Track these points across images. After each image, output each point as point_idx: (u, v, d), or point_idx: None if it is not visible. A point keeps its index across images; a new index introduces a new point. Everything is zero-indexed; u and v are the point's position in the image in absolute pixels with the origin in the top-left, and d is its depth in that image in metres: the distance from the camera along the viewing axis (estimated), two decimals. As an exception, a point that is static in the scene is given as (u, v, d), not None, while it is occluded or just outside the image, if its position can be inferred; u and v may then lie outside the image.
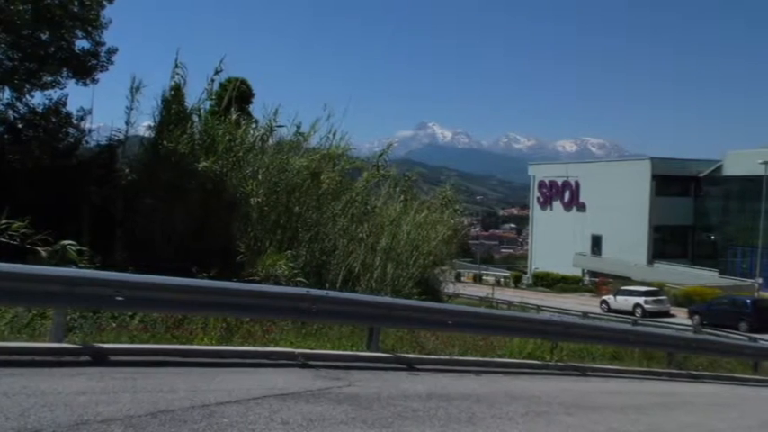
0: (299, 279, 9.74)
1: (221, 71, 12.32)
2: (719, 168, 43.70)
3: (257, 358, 6.57)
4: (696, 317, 28.94)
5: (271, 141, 13.02)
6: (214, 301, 6.72)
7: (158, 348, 6.20)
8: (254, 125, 13.20)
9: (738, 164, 40.67)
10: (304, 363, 6.66)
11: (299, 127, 13.02)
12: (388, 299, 8.87)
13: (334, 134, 13.20)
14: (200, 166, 10.94)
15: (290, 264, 10.08)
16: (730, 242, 42.05)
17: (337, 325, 8.39)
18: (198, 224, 10.65)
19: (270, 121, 12.79)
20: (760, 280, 34.57)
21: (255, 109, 14.91)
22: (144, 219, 10.48)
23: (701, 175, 46.19)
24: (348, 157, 13.75)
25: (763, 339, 19.78)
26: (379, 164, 14.78)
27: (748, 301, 29.00)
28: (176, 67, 11.50)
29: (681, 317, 30.40)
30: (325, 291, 8.04)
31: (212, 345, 6.69)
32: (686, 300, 33.87)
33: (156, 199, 10.55)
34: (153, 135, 11.53)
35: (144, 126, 11.93)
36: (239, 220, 11.30)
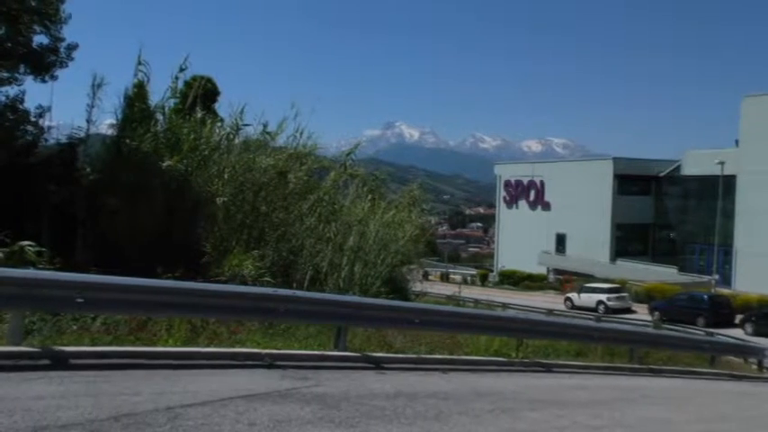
0: (265, 279, 9.66)
1: (186, 69, 12.15)
2: (678, 168, 44.88)
3: (223, 359, 6.51)
4: (656, 313, 29.68)
5: (237, 140, 12.88)
6: (179, 302, 6.62)
7: (121, 351, 6.08)
8: (219, 124, 13.04)
9: (696, 164, 41.84)
10: (271, 363, 6.61)
11: (265, 126, 12.92)
12: (355, 298, 8.87)
13: (301, 133, 13.13)
14: (165, 165, 10.76)
15: (257, 264, 9.99)
16: (689, 240, 43.20)
17: (305, 325, 8.35)
18: (162, 224, 10.46)
19: (236, 119, 12.66)
20: (717, 276, 35.66)
21: (221, 107, 14.72)
22: (107, 219, 10.26)
23: (661, 174, 47.38)
24: (315, 157, 13.70)
25: (719, 334, 20.44)
26: (347, 163, 14.75)
27: (705, 297, 29.89)
28: (139, 64, 11.29)
29: (642, 313, 31.14)
30: (292, 291, 8.01)
31: (177, 346, 6.59)
32: (647, 296, 34.71)
33: (120, 198, 10.34)
34: (115, 133, 11.29)
35: (106, 124, 11.68)
36: (205, 220, 11.16)
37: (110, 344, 6.28)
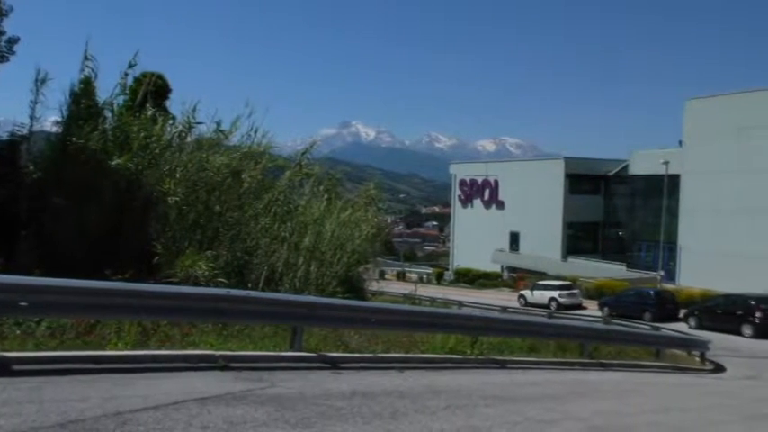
0: (219, 280, 9.51)
1: (135, 65, 11.80)
2: (626, 168, 46.29)
3: (175, 362, 6.37)
4: (606, 309, 30.53)
5: (189, 139, 12.61)
6: (128, 305, 6.45)
7: (67, 355, 5.88)
8: (171, 122, 12.74)
9: (642, 163, 43.25)
10: (225, 365, 6.51)
11: (218, 124, 12.69)
12: (311, 298, 8.83)
13: (255, 132, 12.96)
14: (114, 163, 10.45)
15: (211, 264, 9.82)
16: (636, 237, 44.63)
17: (260, 326, 8.26)
18: (111, 224, 10.16)
19: (188, 117, 12.39)
20: (662, 272, 36.94)
21: (173, 105, 14.37)
22: (52, 219, 9.90)
23: (610, 173, 48.83)
24: (270, 156, 13.54)
25: (664, 328, 21.17)
26: (303, 162, 14.65)
27: (652, 292, 30.92)
28: (86, 59, 10.91)
29: (592, 309, 31.98)
30: (246, 291, 7.91)
31: (127, 350, 6.42)
32: (597, 293, 35.68)
33: (66, 198, 9.98)
34: (61, 131, 10.90)
35: (50, 121, 11.25)
36: (156, 220, 10.89)
37: (55, 348, 6.06)
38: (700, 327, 25.28)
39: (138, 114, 11.67)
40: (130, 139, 11.14)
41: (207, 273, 9.55)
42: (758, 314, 24.07)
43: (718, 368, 15.91)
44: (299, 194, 14.44)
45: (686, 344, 16.91)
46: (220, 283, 9.17)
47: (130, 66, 11.70)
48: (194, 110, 12.35)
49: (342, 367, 7.50)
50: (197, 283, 9.06)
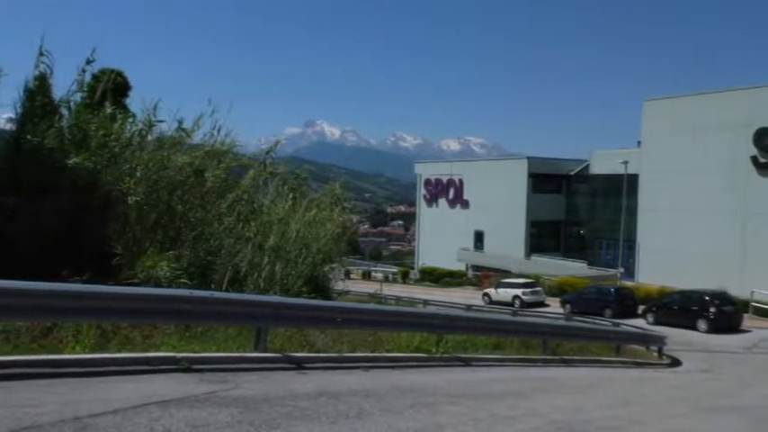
0: (182, 281, 9.33)
1: (93, 61, 11.50)
2: (587, 167, 47.23)
3: (136, 365, 6.23)
4: (568, 306, 31.12)
5: (150, 137, 12.35)
6: (86, 307, 6.28)
7: (22, 360, 5.69)
8: (131, 120, 12.46)
9: (603, 163, 44.17)
10: (188, 367, 6.40)
11: (180, 122, 12.45)
12: (275, 298, 8.75)
13: (218, 130, 12.76)
14: (71, 162, 10.16)
15: (173, 265, 9.64)
16: (597, 236, 45.57)
17: (224, 327, 8.16)
18: (69, 224, 9.89)
19: (149, 115, 12.13)
20: (622, 270, 37.84)
21: (133, 103, 14.05)
22: (6, 219, 9.57)
23: (572, 173, 49.75)
24: (234, 154, 13.36)
25: (624, 324, 21.69)
26: (267, 161, 14.51)
27: (612, 289, 31.63)
28: (41, 54, 10.59)
29: (555, 306, 32.56)
30: (209, 292, 7.80)
31: (85, 353, 6.25)
32: (559, 290, 36.31)
33: (20, 197, 9.67)
34: (14, 128, 10.56)
35: (4, 118, 10.90)
36: (116, 220, 10.63)
37: (10, 353, 5.86)
38: (657, 323, 25.98)
39: (96, 112, 11.38)
40: (89, 138, 10.86)
41: (169, 274, 9.37)
42: (712, 310, 24.89)
43: (675, 362, 16.38)
44: (264, 194, 14.30)
45: (645, 339, 17.36)
46: (183, 284, 9.00)
47: (88, 62, 11.41)
48: (155, 108, 12.10)
49: (307, 367, 7.46)
50: (159, 285, 8.88)
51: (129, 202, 10.60)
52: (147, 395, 5.10)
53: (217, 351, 7.24)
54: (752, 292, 29.16)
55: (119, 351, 6.54)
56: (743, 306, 27.24)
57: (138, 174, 11.05)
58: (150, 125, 12.18)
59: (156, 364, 6.32)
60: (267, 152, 14.77)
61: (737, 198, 34.09)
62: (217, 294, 7.69)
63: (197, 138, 12.66)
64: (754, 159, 33.70)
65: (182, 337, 7.50)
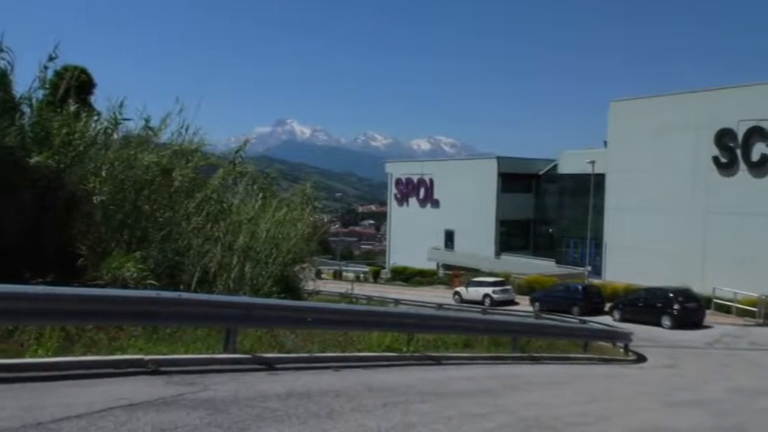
0: (149, 282, 9.17)
1: (56, 57, 11.21)
2: (556, 167, 47.92)
3: (102, 368, 6.09)
4: (537, 304, 31.50)
5: (116, 136, 12.11)
6: (49, 309, 6.13)
7: (-18, 365, 5.54)
8: (96, 118, 12.19)
9: (571, 163, 44.89)
10: (155, 369, 6.30)
11: (147, 121, 12.23)
12: (245, 298, 8.67)
13: (186, 129, 12.56)
14: (33, 160, 9.90)
15: (140, 266, 9.46)
16: (565, 234, 46.27)
17: (192, 328, 8.04)
18: (31, 225, 9.65)
19: (114, 113, 11.89)
20: (589, 268, 38.51)
21: (98, 101, 13.74)
22: (-37, 220, 9.29)
23: (540, 173, 50.41)
24: (202, 153, 13.18)
25: (591, 321, 22.07)
26: (236, 160, 14.35)
27: (579, 287, 32.14)
28: (1, 51, 10.30)
29: (524, 304, 32.94)
30: (177, 293, 7.68)
31: (49, 357, 6.09)
32: (529, 288, 36.77)
33: (-22, 198, 9.40)
34: (-27, 126, 10.23)
35: (-38, 116, 10.55)
36: (80, 220, 10.40)
37: (-32, 358, 5.70)
38: (623, 319, 26.51)
39: (59, 110, 11.11)
40: (51, 136, 10.59)
41: (136, 275, 9.20)
42: (676, 306, 25.51)
43: (641, 358, 16.72)
44: (233, 193, 14.14)
45: (611, 336, 17.68)
46: (150, 285, 8.85)
47: (51, 59, 11.12)
48: (121, 106, 11.86)
49: (277, 368, 7.40)
50: (125, 286, 8.71)
51: (95, 201, 10.39)
52: (114, 399, 5.00)
53: (185, 353, 7.14)
54: (713, 288, 29.93)
55: (84, 354, 6.39)
56: (705, 303, 27.96)
57: (104, 173, 10.82)
58: (116, 123, 11.94)
59: (123, 367, 6.20)
60: (236, 151, 14.61)
61: (700, 197, 34.96)
62: (185, 295, 7.58)
63: (164, 136, 12.46)
64: (716, 159, 34.60)
65: (149, 339, 7.37)
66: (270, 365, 7.43)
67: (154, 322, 7.34)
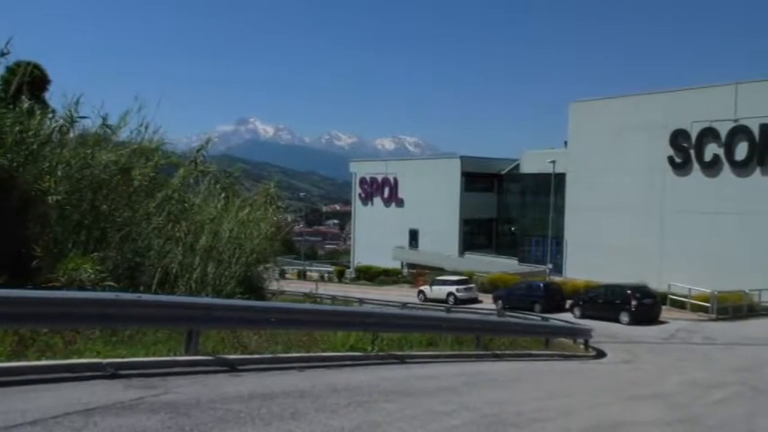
0: (108, 283, 8.95)
1: (8, 53, 10.84)
2: (518, 166, 48.62)
3: (58, 372, 5.92)
4: (500, 302, 31.89)
5: (72, 134, 11.77)
6: (2, 312, 5.92)
7: (-70, 371, 5.32)
8: (51, 115, 11.83)
9: (532, 162, 45.62)
10: (114, 373, 6.15)
11: (105, 119, 11.93)
12: (206, 299, 8.55)
13: (146, 127, 12.29)
14: (-16, 159, 9.56)
15: (98, 267, 9.23)
16: (527, 233, 46.99)
17: (153, 330, 7.89)
18: (-18, 226, 9.31)
19: (70, 110, 11.56)
20: (550, 266, 39.21)
21: (53, 98, 13.32)
22: None
23: (503, 172, 51.09)
24: (163, 152, 12.90)
25: (552, 318, 22.46)
26: (198, 159, 14.11)
27: (541, 285, 32.71)
28: (-51, 45, 9.92)
29: (487, 302, 33.31)
30: (137, 294, 7.51)
31: (1, 362, 5.89)
32: (492, 286, 37.23)
33: (-74, 197, 9.03)
34: None
35: None
36: (35, 221, 10.09)
37: None
38: (584, 316, 27.09)
39: (11, 106, 10.75)
40: (3, 134, 10.24)
41: (93, 276, 8.96)
42: (634, 303, 26.20)
43: (600, 354, 17.11)
44: (195, 193, 13.90)
45: (572, 332, 18.04)
46: (109, 287, 8.64)
47: (2, 54, 10.76)
48: (77, 103, 11.52)
49: (240, 369, 7.32)
50: (82, 288, 8.49)
51: (50, 201, 10.09)
52: (69, 404, 4.86)
53: (145, 356, 6.99)
54: (669, 285, 30.83)
55: (38, 359, 6.20)
56: (661, 299, 28.77)
57: (60, 172, 10.52)
58: (72, 121, 11.60)
59: (80, 371, 6.04)
60: (198, 150, 14.36)
61: (656, 196, 35.95)
62: (145, 297, 7.42)
63: (123, 135, 12.16)
64: (671, 159, 35.63)
65: (107, 342, 7.20)
66: (233, 367, 7.34)
67: (112, 325, 7.18)
